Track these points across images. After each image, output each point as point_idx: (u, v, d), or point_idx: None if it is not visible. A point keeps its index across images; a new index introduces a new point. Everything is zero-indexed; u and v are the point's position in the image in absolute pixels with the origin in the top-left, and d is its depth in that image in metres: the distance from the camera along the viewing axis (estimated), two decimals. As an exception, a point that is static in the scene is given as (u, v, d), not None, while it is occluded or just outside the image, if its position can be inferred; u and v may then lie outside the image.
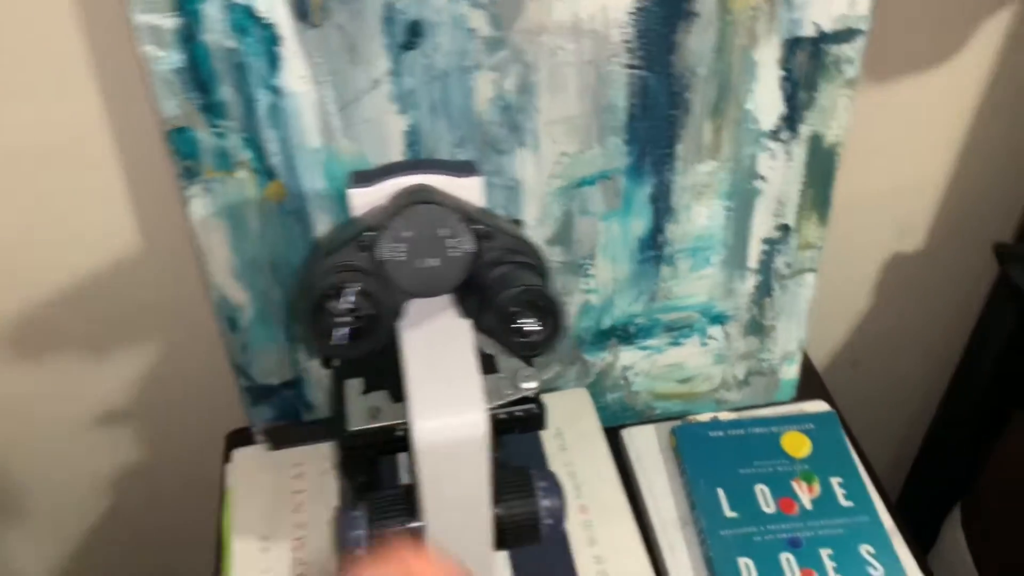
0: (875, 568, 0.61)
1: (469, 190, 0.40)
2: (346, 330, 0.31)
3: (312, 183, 0.55)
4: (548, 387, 0.70)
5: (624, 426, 0.74)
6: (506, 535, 0.47)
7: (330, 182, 0.55)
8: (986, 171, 0.75)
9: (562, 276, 0.64)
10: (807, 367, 0.80)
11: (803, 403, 0.75)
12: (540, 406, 0.50)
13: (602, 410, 0.74)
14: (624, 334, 0.70)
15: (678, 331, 0.71)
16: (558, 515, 0.48)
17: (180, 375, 0.72)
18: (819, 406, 0.74)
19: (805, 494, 0.66)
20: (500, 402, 0.49)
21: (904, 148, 0.74)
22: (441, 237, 0.34)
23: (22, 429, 0.72)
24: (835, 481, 0.67)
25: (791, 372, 0.75)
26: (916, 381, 0.92)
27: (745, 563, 0.62)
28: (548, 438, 0.64)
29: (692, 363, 0.73)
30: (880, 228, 0.78)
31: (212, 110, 0.51)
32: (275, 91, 0.51)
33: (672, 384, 0.74)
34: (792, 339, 0.73)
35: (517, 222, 0.47)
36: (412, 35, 0.51)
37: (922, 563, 0.63)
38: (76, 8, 0.54)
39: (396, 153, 0.55)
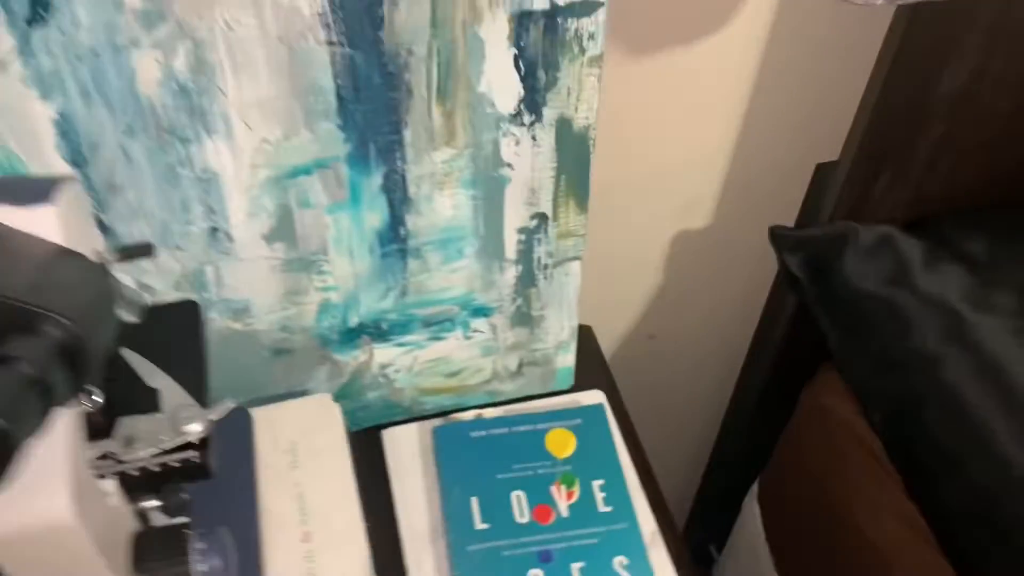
0: (626, 582, 0.58)
1: (42, 221, 0.32)
2: None
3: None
4: (293, 392, 0.64)
5: (391, 425, 0.68)
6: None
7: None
8: (770, 144, 0.71)
9: (292, 274, 0.57)
10: (591, 351, 0.76)
11: (580, 393, 0.71)
12: (206, 452, 0.43)
13: (364, 409, 0.68)
14: (377, 331, 0.63)
15: (438, 325, 0.65)
16: (224, 570, 0.42)
17: None
18: (593, 396, 0.70)
19: (563, 500, 0.62)
20: (153, 451, 0.42)
21: (685, 120, 0.69)
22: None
23: None
24: (596, 484, 0.63)
25: (566, 360, 0.71)
26: (715, 355, 0.89)
27: (490, 582, 0.57)
28: (277, 454, 0.58)
29: (458, 356, 0.67)
30: (666, 203, 0.74)
31: None
32: None
33: (439, 379, 0.69)
34: (564, 328, 0.68)
35: (144, 248, 0.39)
36: (37, 6, 0.42)
37: (681, 571, 0.61)
38: None
39: (48, 145, 0.46)
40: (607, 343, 0.86)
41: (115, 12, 0.43)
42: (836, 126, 0.68)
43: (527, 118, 0.54)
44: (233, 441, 0.56)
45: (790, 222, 0.74)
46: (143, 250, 0.38)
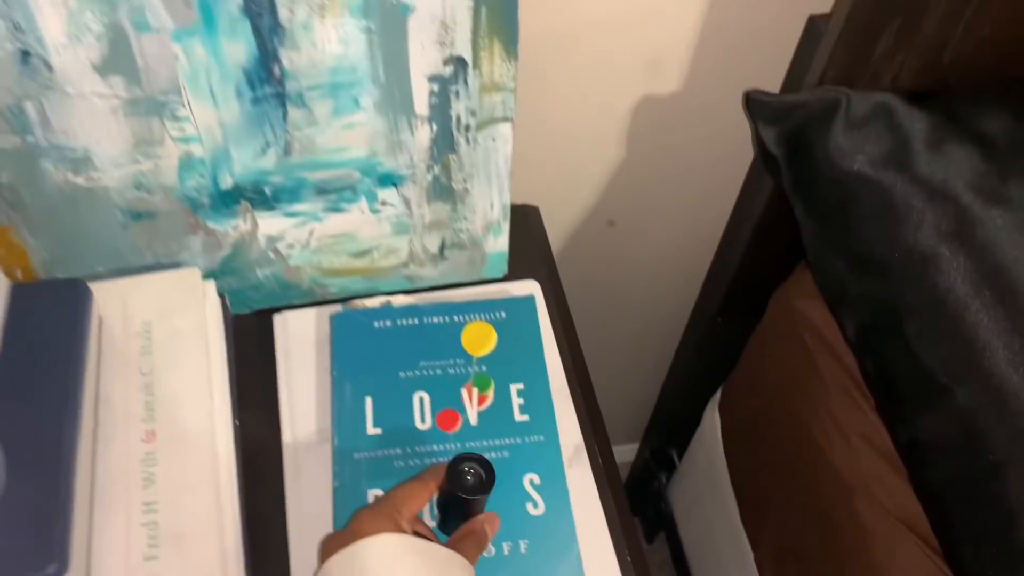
0: (536, 505, 0.49)
1: None
2: None
3: None
4: (162, 266, 0.53)
5: (288, 307, 0.59)
6: None
7: None
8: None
9: (140, 118, 0.46)
10: (535, 236, 0.66)
11: (513, 283, 0.61)
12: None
13: (255, 289, 0.58)
14: (259, 196, 0.53)
15: (336, 193, 0.54)
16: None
17: None
18: (526, 287, 0.60)
19: (473, 405, 0.53)
20: None
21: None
22: None
23: None
24: (514, 388, 0.54)
25: (497, 244, 0.60)
26: (682, 246, 0.78)
27: (376, 496, 0.49)
28: (126, 336, 0.48)
29: (365, 233, 0.57)
30: (626, 59, 0.61)
31: None
32: None
33: (344, 258, 0.58)
34: (494, 205, 0.58)
35: None
36: None
37: (609, 492, 0.52)
38: None
39: None
40: (556, 229, 0.75)
41: None
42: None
43: (431, -74, 0.42)
44: (60, 318, 0.46)
45: (774, 88, 0.62)
46: None
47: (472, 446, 0.51)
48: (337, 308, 0.58)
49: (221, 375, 0.49)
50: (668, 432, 0.98)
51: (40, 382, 0.42)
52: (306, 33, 0.45)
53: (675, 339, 0.88)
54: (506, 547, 0.48)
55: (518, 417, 0.52)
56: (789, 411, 0.63)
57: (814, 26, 0.56)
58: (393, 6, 0.45)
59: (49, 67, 0.43)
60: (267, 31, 0.44)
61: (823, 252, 0.53)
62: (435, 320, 0.56)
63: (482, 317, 0.56)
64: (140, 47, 0.43)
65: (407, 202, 0.56)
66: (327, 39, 0.46)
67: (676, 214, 0.75)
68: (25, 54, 0.42)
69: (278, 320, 0.58)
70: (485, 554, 0.47)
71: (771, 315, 0.66)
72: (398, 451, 0.51)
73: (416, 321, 0.56)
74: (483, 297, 0.59)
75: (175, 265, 0.54)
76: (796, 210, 0.54)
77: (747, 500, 0.74)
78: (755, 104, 0.55)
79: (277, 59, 0.46)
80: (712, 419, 0.81)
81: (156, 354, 0.49)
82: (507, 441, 0.51)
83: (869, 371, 0.52)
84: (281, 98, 0.48)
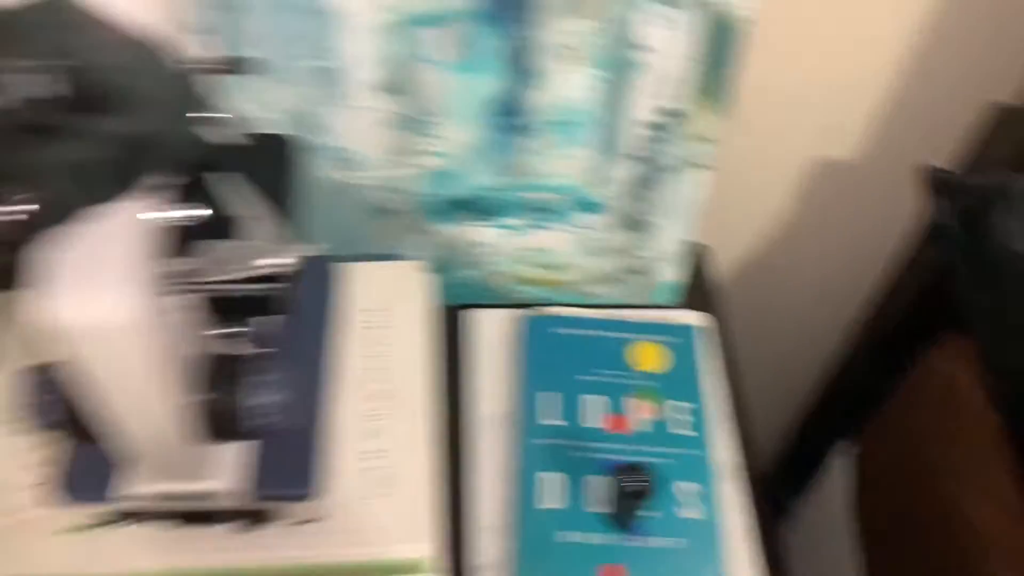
0: (688, 509, 0.56)
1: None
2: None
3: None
4: (384, 256, 0.62)
5: (478, 306, 0.67)
6: (214, 425, 0.41)
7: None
8: (940, 77, 0.63)
9: (402, 132, 0.55)
10: (703, 272, 0.72)
11: (682, 312, 0.67)
12: (290, 287, 0.42)
13: (454, 287, 0.66)
14: (477, 208, 0.61)
15: (541, 212, 0.62)
16: (274, 411, 0.41)
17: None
18: (694, 318, 0.66)
19: (639, 414, 0.59)
20: (237, 277, 0.41)
21: (844, 34, 0.62)
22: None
23: None
24: (678, 405, 0.60)
25: (670, 274, 0.67)
26: (832, 298, 0.83)
27: (547, 479, 0.56)
28: (357, 312, 0.57)
29: (559, 249, 0.65)
30: (807, 124, 0.67)
31: None
32: None
33: (536, 269, 0.66)
34: (676, 240, 0.64)
35: (232, 64, 0.37)
36: None
37: (753, 511, 0.58)
38: None
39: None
40: (723, 267, 0.81)
41: None
42: (1016, 60, 0.60)
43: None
44: (313, 290, 0.55)
45: (945, 162, 0.66)
46: (231, 65, 0.36)
47: (635, 449, 0.58)
48: (525, 312, 0.65)
49: (433, 353, 0.58)
50: (787, 472, 1.02)
51: (301, 340, 0.51)
52: (552, 77, 0.53)
53: (811, 383, 0.93)
54: (660, 543, 0.54)
55: (678, 431, 0.59)
56: (926, 465, 0.67)
57: (995, 112, 0.61)
58: (629, 62, 0.52)
59: (341, 82, 0.52)
60: (519, 73, 0.53)
61: (986, 322, 0.57)
62: (610, 334, 0.63)
63: (652, 338, 0.63)
64: (417, 74, 0.52)
65: (600, 227, 0.63)
66: (567, 83, 0.53)
67: (831, 269, 0.80)
68: (325, 69, 0.52)
69: (471, 315, 0.66)
70: (643, 545, 0.53)
71: (920, 372, 0.70)
72: (570, 443, 0.58)
73: (594, 332, 0.63)
74: (653, 320, 0.65)
75: (395, 257, 0.63)
76: (962, 281, 0.59)
77: (874, 554, 0.78)
78: (936, 179, 0.59)
79: (521, 95, 0.54)
80: (840, 465, 0.84)
81: (382, 329, 0.57)
82: (667, 450, 0.58)
83: (1015, 435, 0.56)
84: (517, 128, 0.56)
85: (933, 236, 0.63)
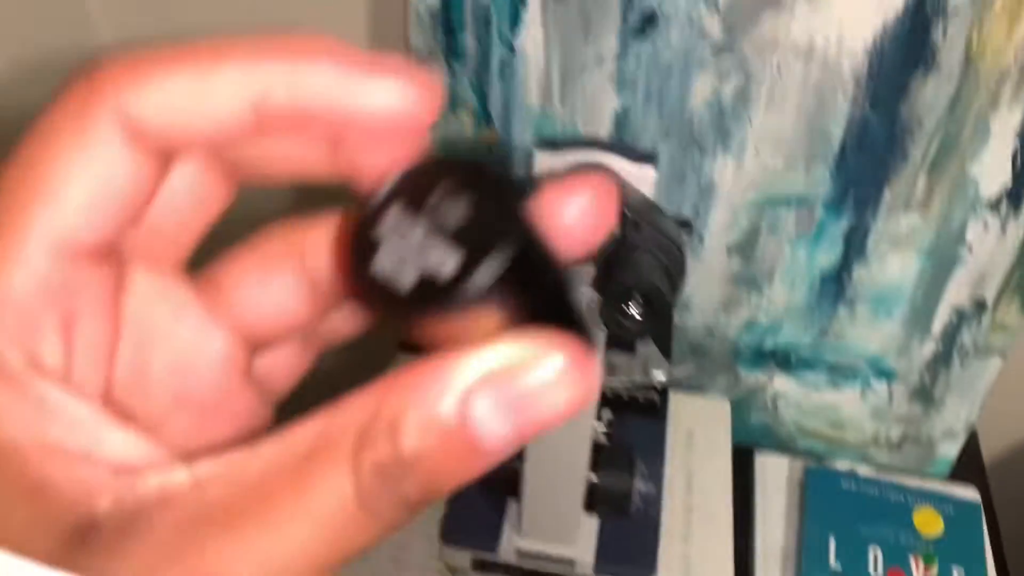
0: (967, 670, 0.59)
1: (641, 179, 0.42)
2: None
3: (522, 137, 0.60)
4: (693, 389, 0.71)
5: (761, 448, 0.74)
6: (597, 500, 0.50)
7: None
8: None
9: (737, 287, 0.65)
10: (971, 447, 0.76)
11: (953, 485, 0.72)
12: (664, 398, 0.52)
13: (743, 427, 0.74)
14: (784, 360, 0.70)
15: (840, 375, 0.69)
16: (649, 499, 0.50)
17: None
18: (968, 492, 0.70)
19: (919, 572, 0.64)
20: (625, 380, 0.52)
21: None
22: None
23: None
24: (956, 570, 0.64)
25: (950, 451, 0.72)
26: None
27: (838, 616, 0.61)
28: (678, 435, 0.66)
29: (847, 410, 0.71)
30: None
31: (453, 53, 0.57)
32: (510, 48, 0.55)
33: (822, 424, 0.73)
34: (960, 418, 0.70)
35: (685, 223, 0.48)
36: (645, 23, 0.53)
37: None
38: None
39: (604, 128, 0.58)
40: (989, 447, 0.85)
41: (698, 39, 0.54)
42: None
43: (1004, 208, 0.58)
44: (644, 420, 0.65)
45: None
46: (685, 225, 0.47)
47: (915, 605, 0.62)
48: (808, 462, 0.72)
49: (731, 482, 0.65)
50: None
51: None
52: (878, 258, 0.62)
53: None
54: None
55: (958, 596, 0.63)
56: None
57: None
58: (951, 254, 0.61)
59: (702, 240, 0.63)
60: (853, 251, 0.62)
61: None
62: (892, 496, 0.68)
63: (934, 505, 0.68)
64: (765, 242, 0.63)
65: (891, 396, 0.70)
66: (892, 265, 0.62)
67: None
68: (691, 229, 0.63)
69: (760, 458, 0.73)
70: None
71: None
72: (854, 587, 0.63)
73: (877, 492, 0.69)
74: (934, 490, 0.70)
75: (700, 392, 0.72)
76: None
77: None
78: None
79: (850, 270, 0.63)
80: None
81: (695, 452, 0.66)
82: (947, 612, 0.62)
83: None
84: (838, 297, 0.65)
85: None
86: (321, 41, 0.15)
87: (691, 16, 0.53)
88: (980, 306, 0.63)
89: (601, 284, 0.35)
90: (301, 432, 0.14)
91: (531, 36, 0.55)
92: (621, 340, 0.44)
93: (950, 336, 0.65)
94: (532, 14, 0.54)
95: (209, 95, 0.14)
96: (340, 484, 0.13)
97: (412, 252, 0.15)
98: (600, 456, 0.50)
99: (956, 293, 0.63)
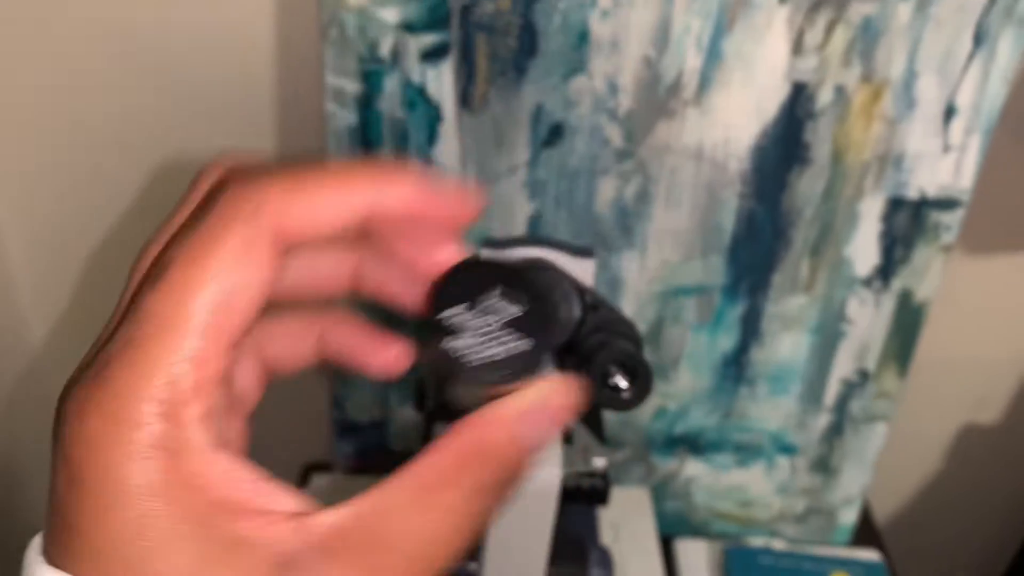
0: None
1: (583, 271, 0.45)
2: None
3: (439, 247, 0.61)
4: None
5: (675, 536, 0.76)
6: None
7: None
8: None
9: (645, 377, 0.69)
10: (866, 515, 0.81)
11: (856, 549, 0.76)
12: (606, 482, 0.53)
13: (662, 515, 0.76)
14: (694, 445, 0.73)
15: (746, 452, 0.73)
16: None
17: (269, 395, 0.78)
18: (871, 555, 0.75)
19: (845, 638, 0.66)
20: (570, 471, 0.53)
21: (993, 319, 0.76)
22: (557, 302, 0.40)
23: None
24: (877, 632, 0.67)
25: (849, 517, 0.76)
26: (979, 554, 0.91)
27: None
28: (604, 527, 0.67)
29: (755, 488, 0.75)
30: (958, 395, 0.80)
31: (368, 143, 0.58)
32: (428, 161, 0.58)
33: (731, 505, 0.76)
34: (856, 484, 0.75)
35: (622, 315, 0.51)
36: (553, 135, 0.57)
37: None
38: (276, 63, 0.63)
39: (518, 232, 0.61)
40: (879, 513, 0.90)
41: (601, 147, 0.58)
42: None
43: (876, 284, 0.64)
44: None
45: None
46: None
47: (847, 669, 0.64)
48: (724, 543, 0.74)
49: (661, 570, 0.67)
50: None
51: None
52: (772, 338, 0.67)
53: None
54: None
55: (882, 654, 0.66)
56: None
57: None
58: (835, 330, 0.66)
59: (611, 336, 0.66)
60: (749, 334, 0.67)
61: None
62: (807, 566, 0.72)
63: (844, 570, 0.71)
64: (668, 332, 0.66)
65: (793, 469, 0.74)
66: (784, 344, 0.67)
67: (978, 528, 0.89)
68: (600, 326, 0.66)
69: (680, 545, 0.75)
70: None
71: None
72: (789, 660, 0.65)
73: (793, 564, 0.72)
74: (842, 556, 0.74)
75: (619, 481, 0.74)
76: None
77: None
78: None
79: (747, 352, 0.68)
80: None
81: (622, 544, 0.67)
82: (875, 670, 0.64)
83: None
84: (739, 378, 0.69)
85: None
86: (405, 172, 0.21)
87: (595, 126, 0.57)
88: (864, 375, 0.69)
89: (582, 367, 0.37)
90: (412, 472, 0.20)
91: (447, 149, 0.58)
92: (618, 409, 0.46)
93: (840, 407, 0.70)
94: (448, 128, 0.57)
95: (339, 213, 0.19)
96: (452, 501, 0.19)
97: (479, 338, 0.21)
98: (552, 550, 0.50)
99: (843, 366, 0.68)
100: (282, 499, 0.19)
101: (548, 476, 0.43)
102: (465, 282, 0.21)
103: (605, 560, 0.50)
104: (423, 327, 0.21)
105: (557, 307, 0.35)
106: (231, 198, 0.18)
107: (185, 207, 0.19)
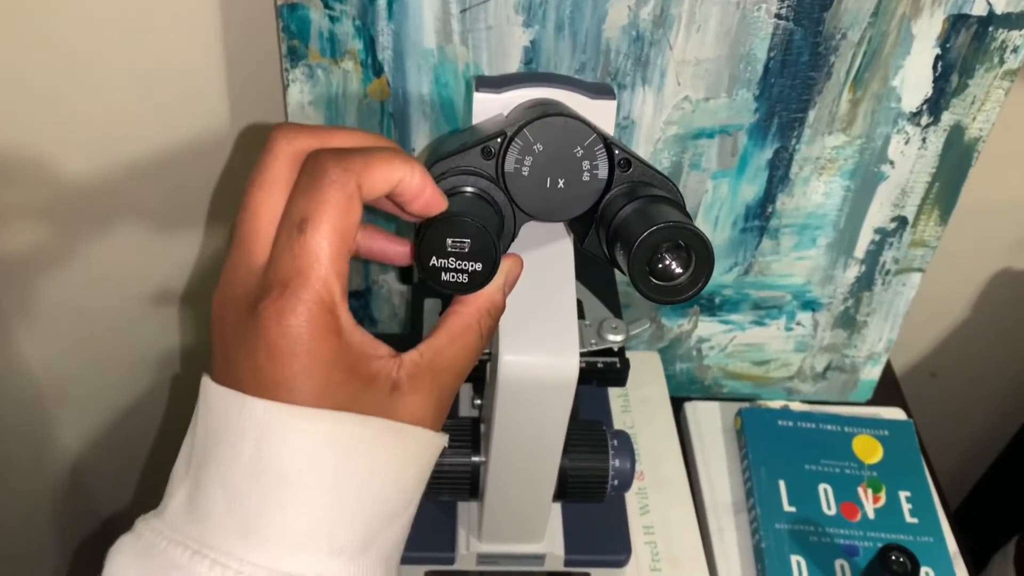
0: (933, 593, 0.58)
1: (601, 114, 0.36)
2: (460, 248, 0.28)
3: (419, 86, 0.52)
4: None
5: (687, 398, 0.70)
6: (569, 488, 0.45)
7: (438, 88, 0.52)
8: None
9: (656, 231, 0.61)
10: (887, 371, 0.76)
11: (878, 408, 0.71)
12: (624, 361, 0.47)
13: (668, 378, 0.70)
14: (709, 304, 0.66)
15: (765, 311, 0.67)
16: (626, 478, 0.45)
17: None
18: (895, 413, 0.70)
19: (869, 502, 0.62)
20: (583, 350, 0.46)
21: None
22: (574, 157, 0.31)
23: (88, 303, 0.71)
24: (902, 494, 0.63)
25: (873, 373, 0.71)
26: (994, 404, 0.87)
27: (797, 561, 0.58)
28: (612, 396, 0.61)
29: (772, 347, 0.69)
30: (994, 239, 0.73)
31: (330, -9, 0.48)
32: (401, -20, 0.47)
33: (746, 365, 0.70)
34: (882, 339, 0.69)
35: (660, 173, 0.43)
36: (555, -58, 0.47)
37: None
38: None
39: (512, 68, 0.51)
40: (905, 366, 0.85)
41: (612, -43, 0.48)
42: None
43: (925, 119, 0.56)
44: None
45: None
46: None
47: (872, 535, 0.60)
48: (739, 404, 0.69)
49: (676, 434, 0.61)
50: None
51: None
52: (803, 185, 0.59)
53: (967, 486, 0.95)
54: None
55: (908, 519, 0.62)
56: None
57: None
58: (874, 173, 0.58)
59: (620, 187, 0.58)
60: (777, 180, 0.58)
61: None
62: (829, 427, 0.67)
63: (870, 432, 0.67)
64: (686, 179, 0.58)
65: (816, 325, 0.68)
66: (816, 191, 0.59)
67: (997, 373, 0.84)
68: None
69: (689, 407, 0.69)
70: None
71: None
72: (811, 528, 0.60)
73: (813, 425, 0.67)
74: (866, 416, 0.69)
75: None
76: None
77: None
78: None
79: (773, 201, 0.60)
80: (1004, 570, 0.86)
81: (634, 412, 0.61)
82: (902, 537, 0.60)
83: None
84: (762, 230, 0.61)
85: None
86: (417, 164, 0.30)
87: (605, -71, 0.46)
88: (902, 223, 0.61)
89: (614, 246, 0.29)
90: (447, 326, 0.32)
91: (424, -36, 0.47)
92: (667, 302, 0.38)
93: (872, 257, 0.63)
94: (424, -63, 0.46)
95: (388, 183, 0.29)
96: (471, 340, 0.32)
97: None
98: (569, 437, 0.44)
99: (879, 213, 0.61)
100: (383, 348, 0.30)
101: (563, 366, 0.36)
102: (436, 234, 0.30)
103: (625, 447, 0.44)
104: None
105: (495, 235, 0.30)
106: (330, 168, 0.27)
107: (270, 169, 0.29)
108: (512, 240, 0.34)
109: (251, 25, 0.54)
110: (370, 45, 0.50)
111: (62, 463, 0.82)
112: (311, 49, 0.50)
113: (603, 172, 0.31)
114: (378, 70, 0.51)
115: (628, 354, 0.64)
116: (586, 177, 0.31)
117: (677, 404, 0.69)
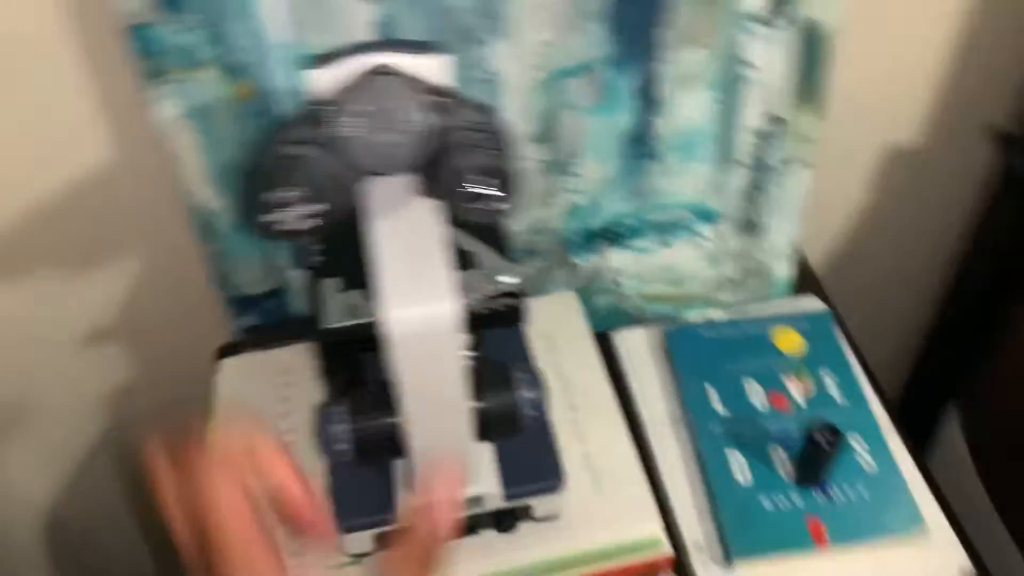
0: (868, 463, 0.61)
1: (434, 68, 0.38)
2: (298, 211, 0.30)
3: (283, 80, 0.53)
4: (534, 291, 0.69)
5: (615, 330, 0.73)
6: (488, 427, 0.47)
7: (301, 78, 0.53)
8: (986, 54, 0.72)
9: (547, 176, 0.63)
10: (802, 265, 0.79)
11: (798, 300, 0.74)
12: (519, 299, 0.49)
13: (592, 315, 0.72)
14: (613, 236, 0.68)
15: (668, 232, 0.69)
16: (539, 405, 0.47)
17: (168, 289, 0.71)
18: (813, 304, 0.73)
19: (798, 391, 0.65)
20: (478, 296, 0.48)
21: (898, 33, 0.71)
22: (401, 110, 0.33)
23: (13, 353, 0.72)
24: (829, 379, 0.66)
25: (784, 269, 0.74)
26: (916, 278, 0.91)
27: (734, 455, 0.61)
28: (536, 340, 0.63)
29: (684, 264, 0.72)
30: (875, 119, 0.76)
31: (174, 3, 0.49)
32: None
33: (663, 286, 0.73)
34: (784, 236, 0.72)
35: (485, 107, 0.45)
36: (377, -84, 0.48)
37: (918, 460, 0.63)
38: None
39: (367, 46, 0.53)
40: (814, 257, 0.88)
41: (436, -80, 0.49)
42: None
43: (776, 19, 0.58)
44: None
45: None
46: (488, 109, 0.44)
47: (805, 419, 0.63)
48: (664, 326, 0.72)
49: (603, 369, 0.64)
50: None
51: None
52: (673, 105, 0.61)
53: (909, 356, 0.99)
54: (847, 493, 0.60)
55: (838, 400, 0.65)
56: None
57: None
58: (737, 78, 0.61)
59: (501, 139, 0.60)
60: (647, 105, 0.61)
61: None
62: (751, 330, 0.70)
63: (788, 325, 0.70)
64: (563, 121, 0.60)
65: (720, 235, 0.70)
66: (686, 107, 0.61)
67: (912, 247, 0.88)
68: (487, 131, 0.59)
69: (617, 336, 0.72)
70: (836, 497, 0.59)
71: (1017, 326, 0.77)
72: (745, 424, 0.63)
73: (736, 331, 0.70)
74: (782, 312, 0.72)
75: (542, 294, 0.70)
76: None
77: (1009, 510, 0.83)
78: (1009, 144, 0.68)
79: (649, 125, 0.62)
80: (952, 433, 0.90)
81: (560, 352, 0.64)
82: (832, 416, 0.64)
83: None
84: (646, 155, 0.64)
85: (1009, 190, 0.71)
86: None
87: None
88: (778, 122, 0.64)
89: (435, 176, 0.31)
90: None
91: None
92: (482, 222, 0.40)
93: (757, 160, 0.66)
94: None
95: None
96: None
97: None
98: (476, 381, 0.46)
99: (752, 115, 0.63)
100: None
101: (442, 312, 0.38)
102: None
103: (532, 380, 0.46)
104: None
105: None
106: (217, 471, 0.32)
107: (170, 469, 0.33)
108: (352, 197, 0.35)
109: (102, 53, 0.55)
110: (227, 48, 0.51)
111: None
112: (169, 64, 0.52)
113: (431, 120, 0.33)
114: (240, 71, 0.53)
115: (546, 299, 0.67)
116: (415, 127, 0.33)
117: (605, 337, 0.72)
